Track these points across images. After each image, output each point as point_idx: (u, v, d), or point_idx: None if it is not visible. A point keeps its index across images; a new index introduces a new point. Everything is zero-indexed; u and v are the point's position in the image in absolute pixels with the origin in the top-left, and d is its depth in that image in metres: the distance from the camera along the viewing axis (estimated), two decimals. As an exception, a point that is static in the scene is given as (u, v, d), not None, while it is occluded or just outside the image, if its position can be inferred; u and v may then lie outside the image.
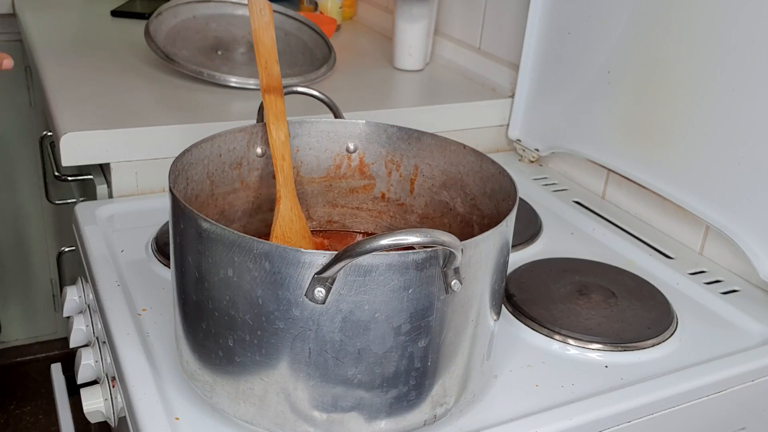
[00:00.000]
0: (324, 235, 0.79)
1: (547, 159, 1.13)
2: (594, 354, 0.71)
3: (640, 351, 0.71)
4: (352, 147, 0.74)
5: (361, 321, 0.51)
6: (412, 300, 0.51)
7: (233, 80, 1.10)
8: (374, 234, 0.62)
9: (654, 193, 0.92)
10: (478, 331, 0.57)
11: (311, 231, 0.73)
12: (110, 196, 0.96)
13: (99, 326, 0.75)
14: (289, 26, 1.28)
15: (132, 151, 0.94)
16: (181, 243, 0.56)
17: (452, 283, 0.51)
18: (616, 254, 0.89)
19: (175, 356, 0.65)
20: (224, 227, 0.51)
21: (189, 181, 0.64)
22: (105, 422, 0.74)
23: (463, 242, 0.49)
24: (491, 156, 0.67)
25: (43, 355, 1.98)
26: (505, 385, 0.66)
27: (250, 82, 1.10)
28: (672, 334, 0.74)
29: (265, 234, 0.74)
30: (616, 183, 1.02)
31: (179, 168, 0.62)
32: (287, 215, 0.71)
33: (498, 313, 0.61)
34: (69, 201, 1.26)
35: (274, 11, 1.24)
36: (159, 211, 0.89)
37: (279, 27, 1.25)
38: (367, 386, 0.53)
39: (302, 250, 0.49)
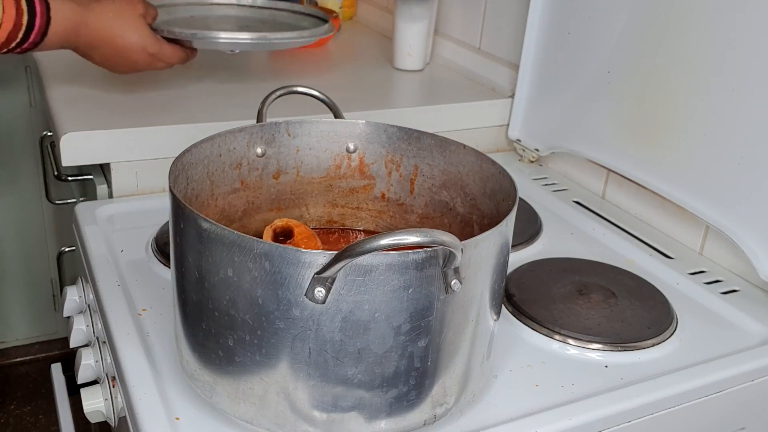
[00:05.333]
0: (325, 233, 0.78)
1: (547, 159, 1.13)
2: (594, 354, 0.71)
3: (640, 351, 0.71)
4: (352, 147, 0.74)
5: (361, 321, 0.51)
6: (412, 300, 0.51)
7: (222, 36, 0.99)
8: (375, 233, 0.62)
9: (654, 193, 0.92)
10: (478, 331, 0.57)
11: (312, 230, 0.72)
12: (110, 196, 0.96)
13: (99, 326, 0.75)
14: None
15: (132, 151, 0.94)
16: (181, 243, 0.56)
17: (452, 282, 0.51)
18: (616, 254, 0.89)
19: (175, 356, 0.65)
20: (224, 227, 0.51)
21: (189, 181, 0.64)
22: (105, 422, 0.74)
23: (463, 242, 0.49)
24: (491, 156, 0.67)
25: (43, 355, 1.98)
26: (505, 385, 0.66)
27: (241, 37, 1.00)
28: (672, 334, 0.74)
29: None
30: (616, 183, 1.02)
31: (179, 168, 0.62)
32: None
33: (498, 313, 0.61)
34: (69, 201, 1.26)
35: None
36: (159, 211, 0.89)
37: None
38: (367, 386, 0.53)
39: (302, 250, 0.49)
